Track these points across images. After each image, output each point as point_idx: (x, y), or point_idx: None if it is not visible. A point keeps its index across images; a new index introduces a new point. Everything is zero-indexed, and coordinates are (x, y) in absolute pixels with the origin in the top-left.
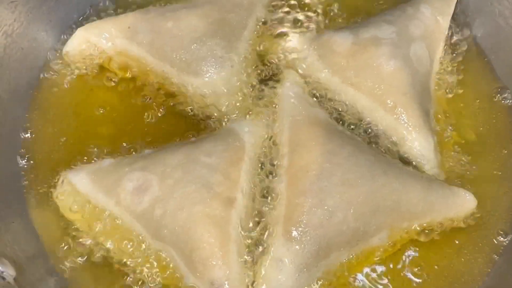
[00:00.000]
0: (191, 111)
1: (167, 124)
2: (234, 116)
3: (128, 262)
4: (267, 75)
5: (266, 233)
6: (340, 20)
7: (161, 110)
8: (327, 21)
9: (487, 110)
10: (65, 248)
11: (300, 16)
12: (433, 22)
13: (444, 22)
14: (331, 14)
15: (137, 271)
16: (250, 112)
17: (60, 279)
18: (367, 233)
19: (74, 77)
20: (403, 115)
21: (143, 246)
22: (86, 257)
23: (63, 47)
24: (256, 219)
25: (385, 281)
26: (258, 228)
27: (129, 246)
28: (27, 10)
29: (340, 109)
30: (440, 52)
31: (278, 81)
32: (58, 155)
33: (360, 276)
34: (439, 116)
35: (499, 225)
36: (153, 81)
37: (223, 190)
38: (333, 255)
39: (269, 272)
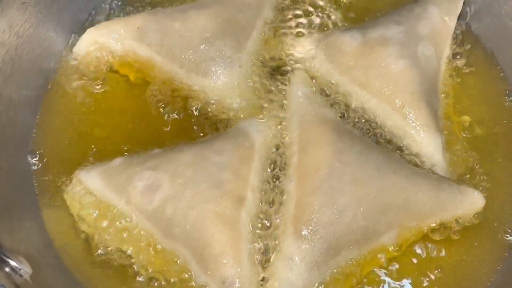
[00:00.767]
0: (201, 111)
1: (177, 124)
2: (243, 116)
3: (140, 261)
4: (276, 74)
5: (276, 231)
6: (348, 20)
7: (170, 110)
8: (335, 21)
9: (496, 110)
10: (76, 247)
11: (308, 16)
12: (441, 22)
13: (451, 22)
14: (339, 14)
15: (149, 270)
16: (260, 112)
17: (72, 278)
18: (376, 232)
19: (84, 77)
20: (411, 115)
21: (155, 245)
22: (96, 256)
23: (73, 48)
24: (266, 217)
25: (395, 278)
26: (268, 227)
27: (139, 245)
28: (37, 11)
29: (348, 109)
30: (447, 52)
31: (287, 81)
32: (69, 154)
33: (370, 274)
34: (447, 115)
35: (507, 223)
36: (162, 81)
37: (234, 188)
38: (343, 254)
39: (280, 270)
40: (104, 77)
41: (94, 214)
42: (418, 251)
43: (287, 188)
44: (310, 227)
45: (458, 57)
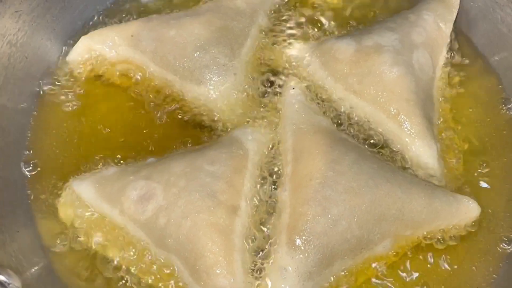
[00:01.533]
0: (194, 119)
1: (171, 132)
2: (237, 123)
3: (133, 271)
4: (270, 82)
5: (270, 241)
6: (342, 27)
7: (164, 118)
8: (329, 28)
9: (492, 117)
10: (70, 257)
11: (303, 24)
12: (436, 29)
13: (447, 28)
14: (334, 21)
15: (142, 281)
16: (254, 120)
17: None
18: (371, 242)
19: (78, 85)
20: (406, 122)
21: (147, 255)
22: (90, 266)
23: (67, 56)
24: (260, 227)
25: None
26: (262, 237)
27: (133, 256)
28: (31, 19)
29: (343, 117)
30: (442, 59)
31: (281, 88)
32: (63, 164)
33: (364, 284)
34: (442, 123)
35: (503, 232)
36: (156, 89)
37: (227, 198)
38: (337, 264)
39: (273, 280)
40: (98, 85)
41: (88, 224)
42: (412, 260)
43: (280, 197)
44: (303, 237)
45: (453, 64)
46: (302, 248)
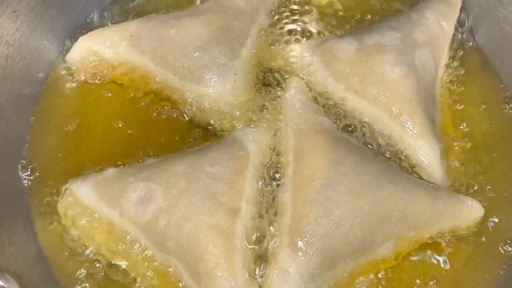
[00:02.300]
0: (195, 119)
1: (171, 133)
2: (238, 124)
3: (132, 274)
4: (271, 82)
5: (272, 243)
6: (344, 27)
7: (164, 118)
8: (330, 28)
9: (494, 117)
10: (69, 260)
11: (304, 23)
12: (438, 28)
13: (449, 27)
14: (335, 20)
15: (142, 284)
16: (254, 120)
17: None
18: (373, 243)
19: (77, 86)
20: (408, 122)
21: (147, 257)
22: (89, 269)
23: (66, 56)
24: (261, 229)
25: None
26: (263, 238)
27: (133, 258)
28: (29, 19)
29: (344, 117)
30: (444, 58)
31: (282, 88)
32: (62, 165)
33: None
34: (445, 122)
35: (507, 234)
36: (156, 89)
37: (228, 200)
38: (340, 266)
39: (275, 282)
40: (97, 85)
41: (87, 226)
42: (416, 261)
43: (282, 198)
44: (305, 239)
45: (456, 63)
46: (304, 250)
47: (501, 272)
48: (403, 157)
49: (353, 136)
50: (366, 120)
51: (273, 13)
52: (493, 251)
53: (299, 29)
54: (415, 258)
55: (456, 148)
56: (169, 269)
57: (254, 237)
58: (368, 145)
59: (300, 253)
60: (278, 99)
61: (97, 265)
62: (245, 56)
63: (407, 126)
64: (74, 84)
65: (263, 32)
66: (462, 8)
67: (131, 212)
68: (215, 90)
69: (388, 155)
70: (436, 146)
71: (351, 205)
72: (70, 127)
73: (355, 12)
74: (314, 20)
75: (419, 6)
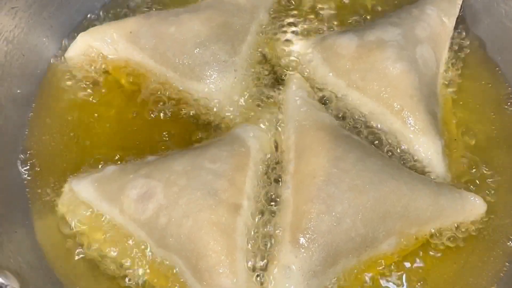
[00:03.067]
0: (195, 116)
1: (171, 129)
2: (238, 121)
3: (133, 272)
4: (272, 79)
5: (273, 240)
6: (344, 23)
7: (165, 116)
8: (331, 24)
9: (495, 113)
10: (68, 257)
11: (304, 19)
12: (439, 24)
13: (450, 23)
14: (336, 16)
15: (142, 281)
16: (255, 117)
17: None
18: (376, 240)
19: (76, 83)
20: (410, 119)
21: (148, 255)
22: (89, 267)
23: (65, 53)
24: (263, 225)
25: (394, 286)
26: (264, 235)
27: (133, 256)
28: (28, 16)
29: (346, 113)
30: (446, 53)
31: (283, 85)
32: (61, 162)
33: (368, 283)
34: (446, 118)
35: (509, 230)
36: (156, 86)
37: (229, 196)
38: (342, 262)
39: (277, 280)
40: (97, 82)
41: (87, 224)
42: (418, 258)
43: (283, 195)
44: (307, 236)
45: (457, 59)
46: (306, 246)
47: (504, 268)
48: (404, 153)
49: (354, 132)
50: (367, 116)
51: (274, 9)
52: (496, 247)
53: (299, 25)
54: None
55: (458, 144)
56: (171, 266)
57: (255, 234)
58: (369, 141)
59: (302, 249)
60: (279, 95)
61: (97, 262)
62: (245, 53)
63: (409, 122)
64: (73, 81)
65: (263, 29)
66: (463, 4)
67: (131, 209)
68: (216, 86)
69: (389, 151)
70: (438, 142)
71: (353, 201)
72: (69, 123)
73: (356, 8)
74: (315, 16)
75: (420, 1)
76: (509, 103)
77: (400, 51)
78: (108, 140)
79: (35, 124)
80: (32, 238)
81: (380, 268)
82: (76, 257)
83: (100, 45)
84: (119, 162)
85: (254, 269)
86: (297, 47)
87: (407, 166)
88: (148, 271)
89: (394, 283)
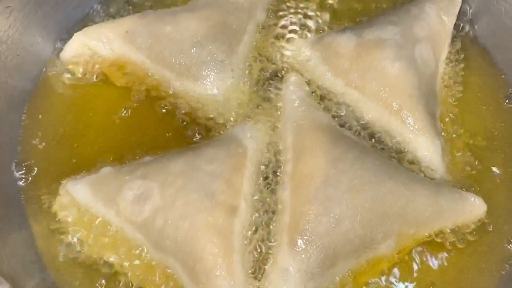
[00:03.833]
0: (192, 116)
1: (167, 130)
2: (235, 121)
3: (130, 274)
4: (269, 78)
5: (271, 242)
6: (342, 22)
7: (161, 116)
8: (329, 23)
9: (495, 113)
10: (64, 261)
11: (302, 18)
12: (438, 23)
13: (449, 22)
14: (334, 15)
15: (139, 284)
16: (252, 117)
17: None
18: (374, 241)
19: (72, 83)
20: (409, 118)
21: (145, 257)
22: (85, 270)
23: (60, 53)
24: (260, 227)
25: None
26: (262, 237)
27: (131, 258)
28: (22, 15)
29: (344, 113)
30: (445, 52)
31: (280, 84)
32: (57, 164)
33: (367, 286)
34: (446, 118)
35: (509, 231)
36: (152, 86)
37: (226, 198)
38: (340, 264)
39: (275, 282)
40: (92, 83)
41: (84, 226)
42: (417, 259)
43: (281, 197)
44: (305, 237)
45: (456, 58)
46: (304, 248)
47: (504, 269)
48: (403, 153)
49: (352, 132)
50: (366, 115)
51: (271, 8)
52: (496, 248)
53: (297, 24)
54: (416, 256)
55: (457, 143)
56: (167, 269)
57: (253, 236)
58: (368, 141)
59: (300, 251)
60: (277, 95)
61: (93, 265)
62: (243, 52)
63: (408, 121)
64: (68, 82)
65: (260, 28)
66: (463, 2)
67: (127, 211)
68: (212, 86)
69: (388, 151)
70: (437, 141)
71: (351, 202)
72: (65, 125)
73: (354, 6)
74: (313, 15)
75: (419, 0)
76: (508, 101)
77: (399, 50)
78: (104, 141)
79: (30, 125)
80: (27, 241)
81: (379, 270)
82: (72, 260)
83: (96, 45)
84: (115, 163)
85: (251, 271)
86: (295, 46)
87: (406, 166)
88: (144, 273)
89: (393, 284)
